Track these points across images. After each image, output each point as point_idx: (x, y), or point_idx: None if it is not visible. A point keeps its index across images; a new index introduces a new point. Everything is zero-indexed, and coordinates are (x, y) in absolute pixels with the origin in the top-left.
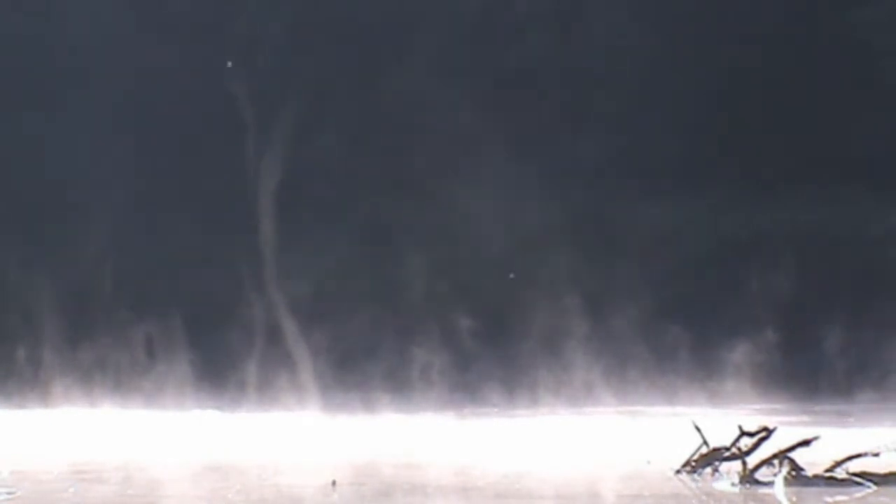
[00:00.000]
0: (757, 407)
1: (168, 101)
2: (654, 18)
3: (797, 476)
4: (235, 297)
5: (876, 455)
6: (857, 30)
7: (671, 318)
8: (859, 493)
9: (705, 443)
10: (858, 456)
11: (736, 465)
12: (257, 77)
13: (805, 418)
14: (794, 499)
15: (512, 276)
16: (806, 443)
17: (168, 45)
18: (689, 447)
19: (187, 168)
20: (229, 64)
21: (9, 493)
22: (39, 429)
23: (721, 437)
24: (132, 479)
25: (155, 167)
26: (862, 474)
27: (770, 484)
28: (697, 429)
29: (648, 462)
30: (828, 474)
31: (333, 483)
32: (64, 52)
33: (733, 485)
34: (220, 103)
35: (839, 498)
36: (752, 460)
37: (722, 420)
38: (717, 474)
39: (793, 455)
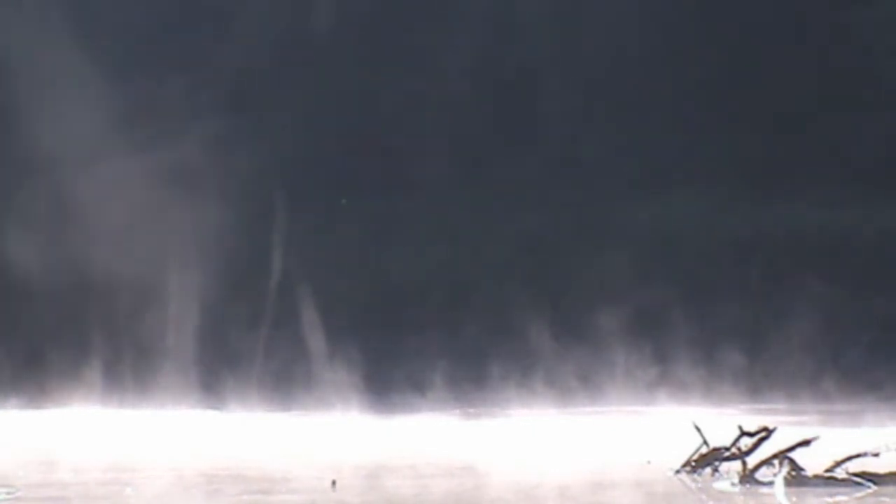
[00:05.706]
0: (757, 407)
1: (173, 99)
2: (655, 19)
3: (797, 476)
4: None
5: (876, 455)
6: (857, 30)
7: (671, 318)
8: (859, 493)
9: (705, 443)
10: (858, 456)
11: (736, 465)
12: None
13: (806, 418)
14: (794, 499)
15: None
16: (806, 443)
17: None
18: (689, 447)
19: (193, 168)
20: None
21: (9, 493)
22: (38, 429)
23: (721, 437)
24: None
25: (163, 170)
26: (862, 474)
27: (770, 484)
28: (697, 429)
29: (648, 462)
30: (828, 474)
31: (333, 483)
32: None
33: (733, 485)
34: (226, 102)
35: (839, 498)
36: (752, 460)
37: (722, 420)
38: (717, 474)
39: (793, 455)
